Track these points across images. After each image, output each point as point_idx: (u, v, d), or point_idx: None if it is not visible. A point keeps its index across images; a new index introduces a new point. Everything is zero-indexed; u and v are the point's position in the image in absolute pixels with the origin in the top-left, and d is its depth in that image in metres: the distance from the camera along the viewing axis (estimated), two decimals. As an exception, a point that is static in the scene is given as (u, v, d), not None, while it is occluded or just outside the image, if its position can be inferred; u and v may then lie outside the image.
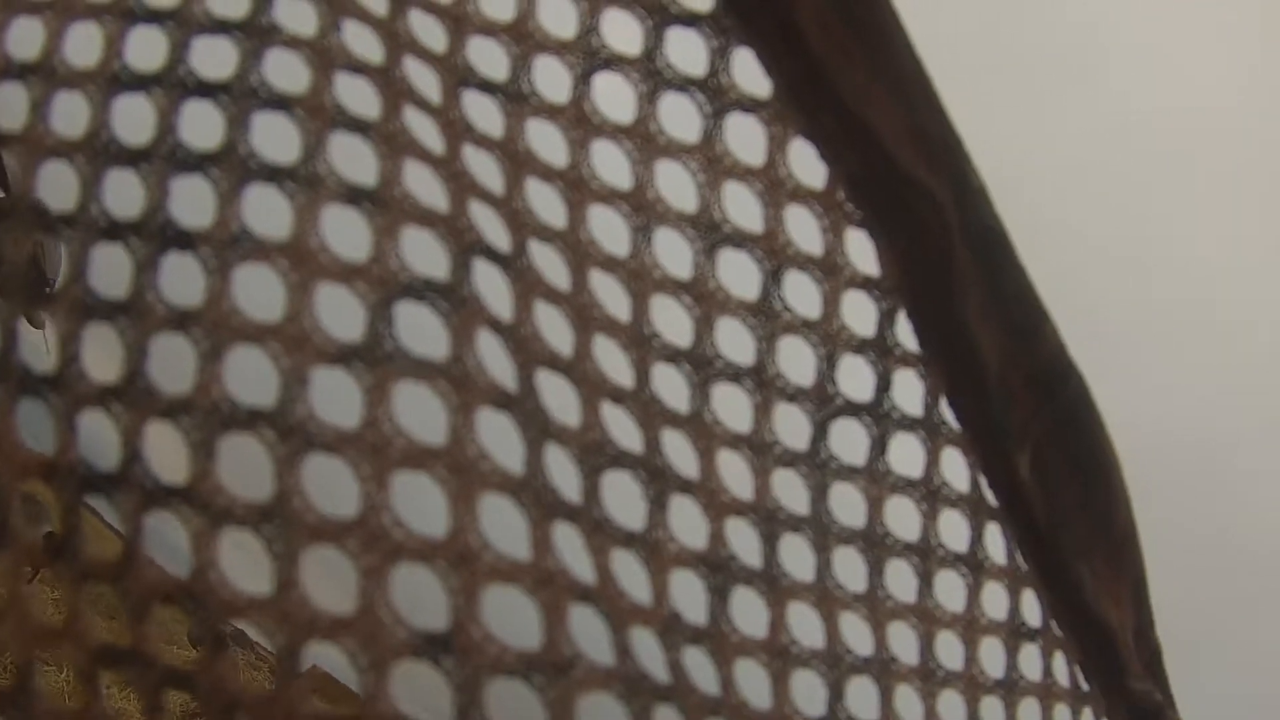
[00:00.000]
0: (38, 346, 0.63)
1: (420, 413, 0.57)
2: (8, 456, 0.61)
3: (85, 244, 0.63)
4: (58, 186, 0.65)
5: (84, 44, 0.67)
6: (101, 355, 0.61)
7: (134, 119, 0.65)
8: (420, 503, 0.56)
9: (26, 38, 0.68)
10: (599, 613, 0.56)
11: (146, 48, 0.66)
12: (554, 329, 0.63)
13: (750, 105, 0.67)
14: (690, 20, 0.67)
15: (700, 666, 0.61)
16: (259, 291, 0.60)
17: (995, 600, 0.70)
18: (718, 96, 0.67)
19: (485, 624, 0.53)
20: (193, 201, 0.62)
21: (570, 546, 0.58)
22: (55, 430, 0.60)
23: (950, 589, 0.69)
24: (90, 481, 0.59)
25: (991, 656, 0.70)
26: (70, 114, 0.66)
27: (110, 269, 0.62)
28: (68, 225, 0.64)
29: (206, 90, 0.64)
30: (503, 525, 0.55)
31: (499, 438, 0.57)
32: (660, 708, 0.56)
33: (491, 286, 0.62)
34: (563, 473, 0.59)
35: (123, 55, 0.66)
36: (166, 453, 0.61)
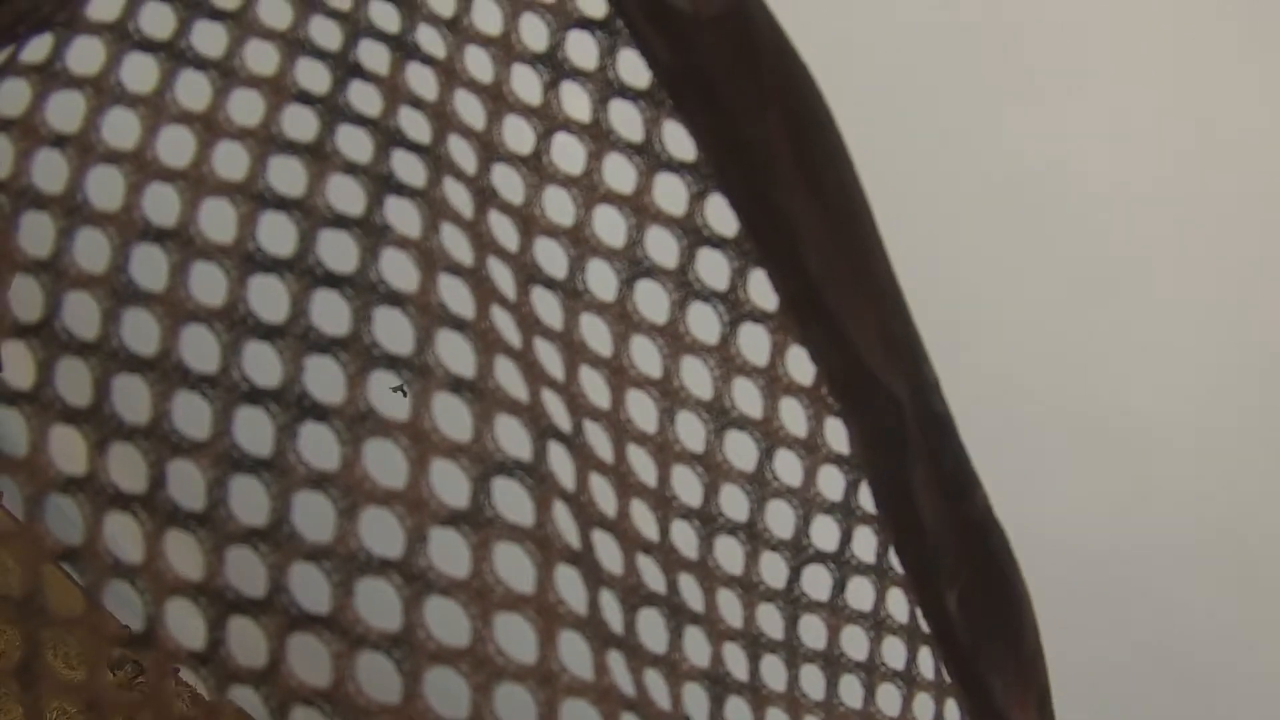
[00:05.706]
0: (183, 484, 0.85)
1: (511, 564, 0.82)
2: (159, 576, 0.83)
3: (228, 405, 0.85)
4: (199, 348, 0.87)
5: (218, 220, 0.89)
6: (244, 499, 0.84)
7: (268, 298, 0.87)
8: (508, 632, 0.81)
9: (162, 204, 0.90)
10: (639, 718, 0.83)
11: (277, 233, 0.88)
12: (603, 494, 0.89)
13: (760, 316, 0.94)
14: (718, 243, 0.94)
15: (704, 760, 0.88)
16: (378, 455, 0.84)
17: (924, 707, 0.99)
18: (735, 308, 0.94)
19: (560, 730, 0.79)
20: (324, 379, 0.85)
21: (617, 667, 0.84)
22: (204, 559, 0.83)
23: (890, 698, 0.98)
24: (237, 604, 0.82)
25: (918, 753, 0.99)
26: (207, 284, 0.88)
27: (252, 428, 0.85)
28: (210, 385, 0.86)
29: (333, 281, 0.87)
30: (573, 652, 0.81)
31: (569, 584, 0.83)
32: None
33: (558, 460, 0.87)
34: (610, 610, 0.85)
35: (256, 236, 0.88)
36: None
